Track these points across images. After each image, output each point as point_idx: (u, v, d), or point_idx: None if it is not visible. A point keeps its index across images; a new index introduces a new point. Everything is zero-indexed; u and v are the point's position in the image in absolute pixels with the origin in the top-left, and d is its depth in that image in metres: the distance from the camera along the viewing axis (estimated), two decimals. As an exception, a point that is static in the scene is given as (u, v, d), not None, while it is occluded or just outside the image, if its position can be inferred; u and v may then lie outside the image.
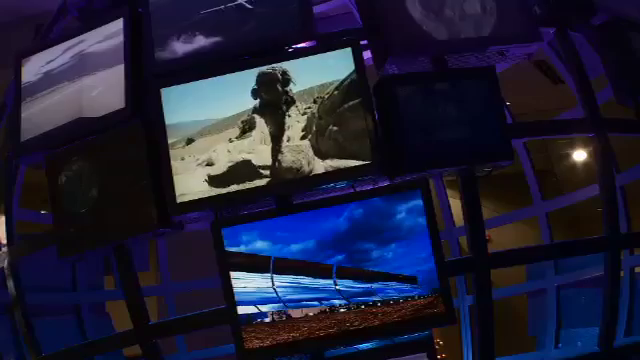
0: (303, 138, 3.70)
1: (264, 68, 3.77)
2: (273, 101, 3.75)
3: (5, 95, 4.90)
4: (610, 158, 4.27)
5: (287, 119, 3.73)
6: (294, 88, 3.75)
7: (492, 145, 3.78)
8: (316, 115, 3.71)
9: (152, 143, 3.84)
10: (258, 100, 3.75)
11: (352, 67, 3.72)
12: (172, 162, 3.75)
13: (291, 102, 3.74)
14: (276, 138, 3.72)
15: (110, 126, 3.98)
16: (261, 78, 3.77)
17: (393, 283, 3.62)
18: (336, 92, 3.71)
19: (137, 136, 3.88)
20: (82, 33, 4.26)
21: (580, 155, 13.00)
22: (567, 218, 10.98)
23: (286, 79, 3.75)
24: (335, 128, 3.68)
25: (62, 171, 4.01)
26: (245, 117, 3.75)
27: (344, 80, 3.72)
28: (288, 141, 3.71)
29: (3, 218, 4.60)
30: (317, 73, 3.75)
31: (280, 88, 3.75)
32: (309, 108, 3.73)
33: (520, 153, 5.80)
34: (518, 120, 5.89)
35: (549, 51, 5.14)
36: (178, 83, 3.83)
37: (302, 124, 3.72)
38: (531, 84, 9.48)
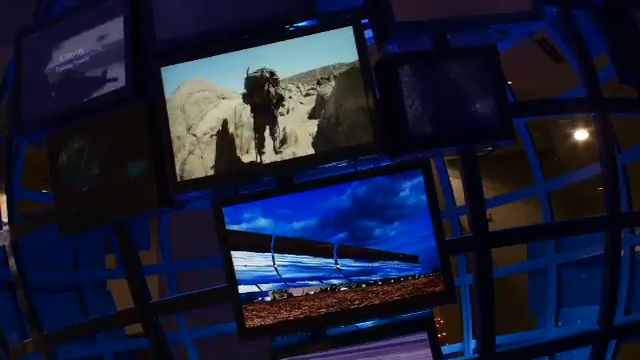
0: (310, 118, 3.70)
1: (251, 72, 3.75)
2: (264, 102, 3.74)
3: (5, 73, 4.89)
4: (611, 137, 4.26)
5: (284, 106, 3.73)
6: (296, 70, 3.74)
7: (493, 124, 3.77)
8: (323, 96, 3.70)
9: (153, 122, 3.83)
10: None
11: (355, 49, 3.71)
12: (173, 140, 3.75)
13: (280, 99, 3.73)
14: (272, 125, 3.73)
15: (111, 104, 3.98)
16: (250, 82, 3.75)
17: (394, 262, 3.63)
18: (341, 73, 3.70)
19: (138, 115, 3.87)
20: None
21: (582, 134, 12.97)
22: (571, 198, 10.99)
23: (275, 79, 3.74)
24: (338, 108, 3.67)
25: (63, 150, 4.01)
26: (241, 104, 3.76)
27: (350, 62, 3.71)
28: (285, 126, 3.71)
29: (4, 197, 4.61)
30: (319, 55, 3.74)
31: (270, 90, 3.74)
32: (313, 89, 3.72)
33: (521, 132, 5.79)
34: (519, 99, 5.87)
35: (551, 29, 5.11)
36: (178, 62, 3.82)
37: (307, 106, 3.71)
38: (533, 63, 9.43)
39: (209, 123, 3.77)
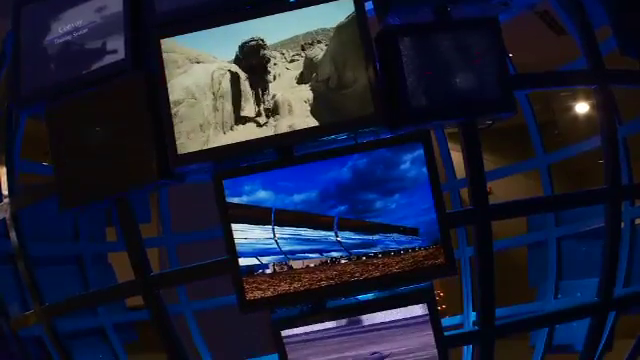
0: (300, 83, 3.69)
1: (246, 39, 3.72)
2: (252, 69, 3.72)
3: (4, 45, 4.86)
4: (612, 109, 4.25)
5: (270, 72, 3.71)
6: (276, 38, 3.72)
7: (494, 96, 3.76)
8: (312, 59, 3.68)
9: (153, 94, 3.82)
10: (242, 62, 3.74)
11: (340, 15, 3.68)
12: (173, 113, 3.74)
13: (267, 60, 3.71)
14: (262, 92, 3.71)
15: (110, 77, 3.96)
16: (246, 48, 3.72)
17: (394, 235, 3.63)
18: (337, 29, 3.68)
19: (137, 87, 3.86)
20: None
21: (583, 107, 12.95)
22: (572, 171, 10.99)
23: (263, 47, 3.72)
24: (336, 80, 3.66)
25: (62, 122, 4.00)
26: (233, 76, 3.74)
27: (337, 28, 3.69)
28: (275, 93, 3.70)
29: (4, 169, 4.60)
30: (302, 22, 3.71)
31: (257, 57, 3.72)
32: (298, 55, 3.70)
33: (522, 105, 5.77)
34: (520, 71, 5.84)
35: (552, 0, 5.07)
36: (178, 34, 3.80)
37: (294, 71, 3.70)
38: (534, 35, 9.39)
39: (173, 95, 3.76)
